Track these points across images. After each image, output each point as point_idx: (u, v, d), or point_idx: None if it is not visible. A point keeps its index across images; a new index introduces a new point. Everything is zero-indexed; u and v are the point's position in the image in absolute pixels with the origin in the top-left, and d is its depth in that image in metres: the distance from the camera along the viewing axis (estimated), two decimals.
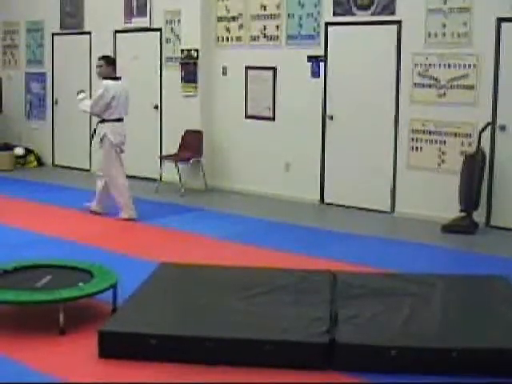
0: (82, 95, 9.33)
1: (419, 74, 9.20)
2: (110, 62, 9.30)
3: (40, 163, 13.62)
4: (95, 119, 12.72)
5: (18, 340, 5.04)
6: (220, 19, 11.05)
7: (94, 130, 9.53)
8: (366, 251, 7.67)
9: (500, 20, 8.57)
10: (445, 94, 9.02)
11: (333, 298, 5.45)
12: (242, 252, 7.59)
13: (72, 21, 13.06)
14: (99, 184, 9.26)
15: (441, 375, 4.48)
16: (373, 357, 4.58)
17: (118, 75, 9.37)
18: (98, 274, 5.65)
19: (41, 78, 13.66)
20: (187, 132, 11.14)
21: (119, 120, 9.12)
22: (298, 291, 5.59)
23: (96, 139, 9.37)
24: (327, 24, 9.96)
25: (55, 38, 13.44)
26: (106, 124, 9.05)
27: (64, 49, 13.33)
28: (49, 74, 13.58)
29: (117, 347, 4.73)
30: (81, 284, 5.42)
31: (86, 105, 9.19)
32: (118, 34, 12.37)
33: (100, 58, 9.34)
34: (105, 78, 9.10)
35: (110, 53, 12.37)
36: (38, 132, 13.80)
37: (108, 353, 4.70)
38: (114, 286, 5.53)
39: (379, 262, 7.11)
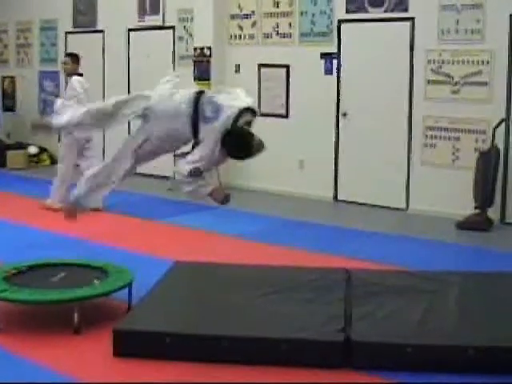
0: (60, 100, 9.55)
1: (432, 71, 9.18)
2: (75, 59, 9.68)
3: (53, 162, 13.65)
4: None
5: (32, 339, 5.06)
6: (233, 17, 11.06)
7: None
8: (381, 248, 7.66)
9: None
10: (458, 90, 9.00)
11: (348, 296, 5.44)
12: (256, 250, 7.59)
13: (85, 19, 13.10)
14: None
15: (457, 373, 4.46)
16: (388, 355, 4.57)
17: (80, 72, 9.72)
18: (113, 272, 5.66)
19: (54, 76, 13.70)
20: None
21: None
22: (313, 289, 5.59)
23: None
24: (340, 21, 9.95)
25: (68, 36, 13.48)
26: None
27: (77, 47, 13.31)
28: (62, 73, 13.60)
29: (132, 346, 4.73)
30: (96, 282, 5.44)
31: (70, 103, 9.31)
32: (130, 33, 12.39)
33: (66, 56, 9.93)
34: (70, 74, 9.55)
35: (123, 51, 12.43)
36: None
37: (123, 352, 4.71)
38: (129, 285, 5.54)
39: (393, 259, 7.09)
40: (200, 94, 5.36)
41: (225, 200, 5.44)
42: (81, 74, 9.57)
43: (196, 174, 5.24)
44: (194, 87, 5.54)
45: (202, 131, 5.26)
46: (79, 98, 9.24)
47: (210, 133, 5.20)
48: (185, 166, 5.33)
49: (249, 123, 5.29)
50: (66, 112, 5.81)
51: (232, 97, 5.34)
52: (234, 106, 5.18)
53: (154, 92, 5.60)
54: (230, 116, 5.12)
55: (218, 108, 5.20)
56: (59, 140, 9.78)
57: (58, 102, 9.44)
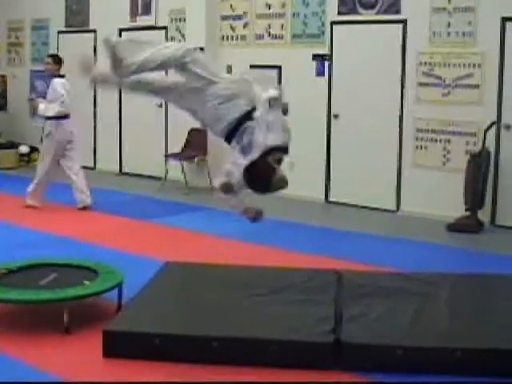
0: (42, 105, 9.49)
1: (424, 73, 9.19)
2: (57, 60, 9.73)
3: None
4: (102, 117, 12.82)
5: (22, 339, 5.05)
6: (225, 18, 11.05)
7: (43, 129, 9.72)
8: (372, 250, 7.67)
9: (505, 19, 8.56)
10: (450, 93, 9.02)
11: (338, 297, 5.45)
12: (247, 251, 7.59)
13: (77, 19, 13.08)
14: (74, 178, 9.57)
15: (446, 375, 4.47)
16: (378, 356, 4.58)
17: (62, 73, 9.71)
18: (103, 272, 5.65)
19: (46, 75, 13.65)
20: (192, 130, 11.13)
21: (66, 117, 9.46)
22: (304, 290, 5.59)
23: (43, 134, 9.67)
24: (332, 23, 9.96)
25: (60, 35, 13.45)
26: (53, 121, 9.40)
27: (69, 47, 13.31)
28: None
29: (121, 347, 4.72)
30: (86, 283, 5.43)
31: (53, 107, 9.34)
32: (123, 33, 12.37)
33: (48, 56, 10.01)
34: (52, 75, 9.58)
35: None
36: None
37: (113, 352, 4.70)
38: (119, 285, 5.53)
39: (384, 260, 7.10)
40: (251, 111, 5.19)
41: (256, 217, 5.33)
42: (62, 76, 9.60)
43: (228, 189, 5.16)
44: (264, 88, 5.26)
45: (233, 146, 5.20)
46: (62, 100, 9.25)
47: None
48: (218, 179, 5.21)
49: (278, 160, 5.16)
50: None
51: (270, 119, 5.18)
52: (267, 145, 5.05)
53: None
54: (258, 153, 5.04)
55: (252, 144, 5.12)
56: (41, 140, 9.79)
57: (41, 106, 9.42)
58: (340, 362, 4.58)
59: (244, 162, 5.00)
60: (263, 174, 5.04)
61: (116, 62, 5.23)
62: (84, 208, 9.43)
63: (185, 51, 5.18)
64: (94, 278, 5.57)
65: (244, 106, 5.16)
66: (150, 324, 4.88)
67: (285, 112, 5.36)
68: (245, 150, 5.12)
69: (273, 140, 5.06)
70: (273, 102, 5.02)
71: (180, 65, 5.21)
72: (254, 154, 4.99)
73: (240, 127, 5.17)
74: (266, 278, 5.88)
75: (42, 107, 9.41)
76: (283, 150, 5.22)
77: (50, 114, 9.34)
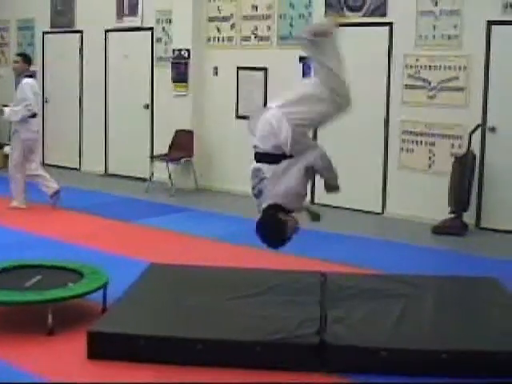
0: (7, 109, 9.51)
1: (410, 76, 9.22)
2: (26, 59, 9.74)
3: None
4: (88, 118, 12.78)
5: (5, 340, 5.03)
6: (211, 19, 11.05)
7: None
8: (357, 252, 7.67)
9: (490, 23, 8.60)
10: (435, 95, 9.05)
11: (323, 299, 5.45)
12: (232, 253, 7.58)
13: (63, 19, 13.04)
14: (35, 173, 9.61)
15: (430, 377, 4.49)
16: (363, 358, 4.59)
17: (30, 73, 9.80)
18: (88, 274, 5.64)
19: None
20: (178, 132, 11.13)
21: (34, 116, 9.46)
22: (289, 292, 5.59)
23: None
24: None
25: (46, 36, 13.41)
26: (20, 120, 9.39)
27: (55, 47, 13.30)
28: (39, 73, 13.53)
29: (106, 348, 4.71)
30: (70, 284, 5.41)
31: (19, 110, 9.34)
32: (109, 33, 12.35)
33: (17, 55, 9.99)
34: (20, 74, 9.57)
35: (101, 52, 12.39)
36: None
37: (97, 354, 4.69)
38: (104, 287, 5.52)
39: (369, 263, 7.11)
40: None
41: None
42: (31, 75, 9.66)
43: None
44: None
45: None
46: (26, 104, 9.28)
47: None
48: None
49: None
50: None
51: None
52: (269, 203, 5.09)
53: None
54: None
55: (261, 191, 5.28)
56: (9, 139, 9.81)
57: (6, 110, 9.42)
58: (325, 363, 4.58)
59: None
60: (268, 226, 5.10)
61: None
62: (57, 192, 9.46)
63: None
64: (79, 279, 5.55)
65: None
66: (134, 325, 4.87)
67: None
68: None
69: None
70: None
71: None
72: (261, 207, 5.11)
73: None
74: (251, 280, 5.87)
75: (7, 111, 9.41)
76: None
77: (14, 119, 9.36)
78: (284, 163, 5.04)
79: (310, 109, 5.04)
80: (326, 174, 5.24)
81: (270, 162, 5.16)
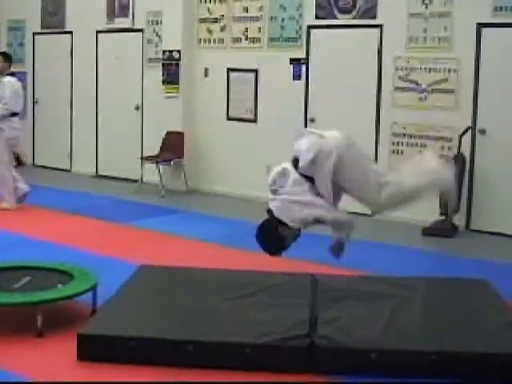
0: None
1: (400, 78, 9.24)
2: (7, 58, 9.81)
3: (20, 163, 13.50)
4: (78, 119, 12.76)
5: None
6: (202, 20, 11.05)
7: None
8: (347, 254, 7.65)
9: (480, 25, 8.63)
10: (425, 97, 9.07)
11: (313, 300, 5.45)
12: (222, 254, 7.58)
13: (53, 20, 13.02)
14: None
15: (421, 378, 4.50)
16: (353, 360, 4.59)
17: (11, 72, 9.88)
18: (78, 275, 5.62)
19: (21, 77, 13.52)
20: (168, 133, 11.12)
21: (15, 115, 9.49)
22: (279, 294, 5.59)
23: None
24: (309, 27, 9.98)
25: (36, 37, 13.39)
26: (2, 118, 9.40)
27: (45, 48, 13.27)
28: (29, 74, 13.53)
29: (96, 350, 4.70)
30: (60, 286, 5.40)
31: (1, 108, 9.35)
32: (99, 34, 12.33)
33: None
34: (1, 73, 9.59)
35: (91, 53, 12.37)
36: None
37: (87, 355, 4.67)
38: (93, 288, 5.50)
39: (360, 264, 7.11)
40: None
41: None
42: (13, 74, 9.74)
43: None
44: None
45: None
46: (4, 102, 9.30)
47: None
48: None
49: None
50: None
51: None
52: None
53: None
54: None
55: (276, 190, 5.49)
56: None
57: None
58: (315, 365, 4.58)
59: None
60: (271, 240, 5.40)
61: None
62: (26, 194, 9.51)
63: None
64: (69, 280, 5.53)
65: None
66: (124, 327, 4.86)
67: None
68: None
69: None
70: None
71: None
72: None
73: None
74: (241, 282, 5.87)
75: None
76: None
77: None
78: (306, 185, 5.27)
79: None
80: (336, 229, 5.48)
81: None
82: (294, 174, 5.35)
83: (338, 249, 5.58)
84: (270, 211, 5.39)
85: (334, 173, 5.22)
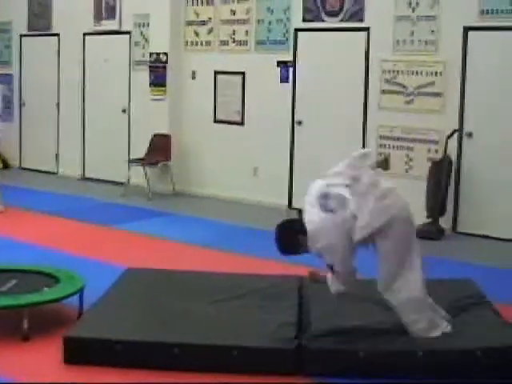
0: None
1: (387, 81, 9.26)
2: None
3: (6, 165, 13.48)
4: (65, 121, 12.72)
5: None
6: (189, 23, 11.04)
7: None
8: None
9: (467, 29, 8.66)
10: (412, 100, 9.09)
11: (301, 303, 5.46)
12: (209, 257, 7.57)
13: (40, 22, 12.97)
14: None
15: (409, 377, 4.52)
16: (341, 361, 4.61)
17: None
18: (64, 278, 5.60)
19: (8, 79, 13.53)
20: (155, 136, 11.09)
21: None
22: (267, 297, 5.59)
23: None
24: (296, 30, 9.99)
25: (23, 39, 13.33)
26: None
27: (32, 50, 13.22)
28: (16, 76, 13.47)
29: (82, 353, 4.68)
30: (46, 289, 5.38)
31: None
32: (86, 37, 12.30)
33: None
34: None
35: (78, 55, 12.33)
36: (4, 134, 13.66)
37: (73, 359, 4.66)
38: (80, 291, 5.48)
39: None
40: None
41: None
42: None
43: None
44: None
45: None
46: None
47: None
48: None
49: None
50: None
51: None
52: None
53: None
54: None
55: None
56: None
57: None
58: (303, 367, 4.58)
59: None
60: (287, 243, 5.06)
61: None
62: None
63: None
64: (55, 284, 5.52)
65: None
66: (111, 330, 4.84)
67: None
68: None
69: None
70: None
71: None
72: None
73: None
74: (228, 284, 5.86)
75: None
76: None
77: None
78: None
79: None
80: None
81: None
82: (342, 213, 4.86)
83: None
84: (300, 212, 5.03)
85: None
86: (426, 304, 4.95)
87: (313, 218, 4.83)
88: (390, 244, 4.87)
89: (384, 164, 5.69)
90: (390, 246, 4.87)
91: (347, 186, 5.04)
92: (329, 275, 4.99)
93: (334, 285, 4.96)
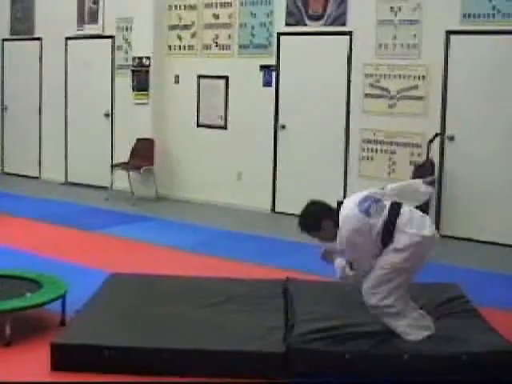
0: None
1: (370, 85, 9.29)
2: None
3: None
4: (48, 126, 12.67)
5: None
6: (172, 27, 11.02)
7: None
8: (319, 260, 7.66)
9: (449, 33, 8.70)
10: (395, 104, 9.13)
11: (288, 306, 5.46)
12: (194, 262, 7.55)
13: (22, 26, 12.92)
14: None
15: (395, 378, 4.55)
16: (328, 363, 4.62)
17: None
18: (47, 283, 5.57)
19: None
20: (138, 140, 11.07)
21: None
22: (253, 300, 5.59)
23: None
24: (279, 34, 10.00)
25: (5, 43, 13.28)
26: None
27: (14, 55, 13.17)
28: None
29: (70, 359, 4.65)
30: (28, 294, 5.34)
31: None
32: (69, 41, 12.26)
33: None
34: None
35: (61, 60, 12.29)
36: None
37: (61, 365, 4.62)
38: (62, 296, 5.45)
39: (332, 271, 7.10)
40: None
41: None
42: None
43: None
44: None
45: None
46: None
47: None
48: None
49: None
50: None
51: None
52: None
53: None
54: None
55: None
56: None
57: None
58: (291, 370, 4.59)
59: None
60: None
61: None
62: None
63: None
64: (38, 289, 5.48)
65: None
66: (98, 336, 4.82)
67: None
68: None
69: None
70: None
71: None
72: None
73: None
74: (214, 289, 5.85)
75: None
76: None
77: None
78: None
79: None
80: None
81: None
82: (376, 220, 4.96)
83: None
84: (339, 205, 5.20)
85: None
86: (407, 309, 4.97)
87: (349, 213, 4.99)
88: (398, 257, 4.89)
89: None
90: (397, 259, 4.89)
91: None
92: (338, 261, 5.11)
93: (343, 272, 5.07)
